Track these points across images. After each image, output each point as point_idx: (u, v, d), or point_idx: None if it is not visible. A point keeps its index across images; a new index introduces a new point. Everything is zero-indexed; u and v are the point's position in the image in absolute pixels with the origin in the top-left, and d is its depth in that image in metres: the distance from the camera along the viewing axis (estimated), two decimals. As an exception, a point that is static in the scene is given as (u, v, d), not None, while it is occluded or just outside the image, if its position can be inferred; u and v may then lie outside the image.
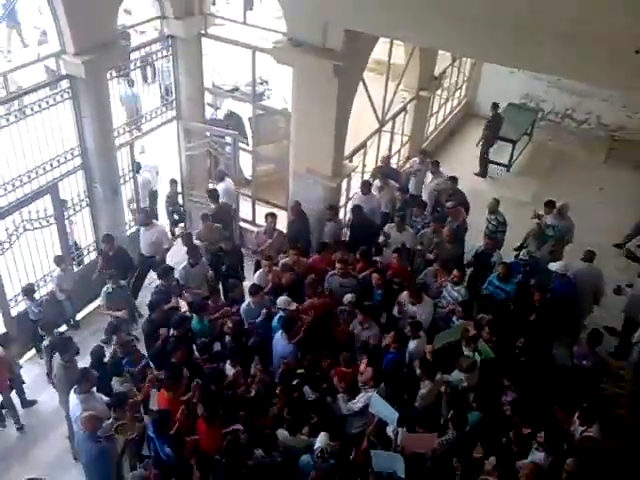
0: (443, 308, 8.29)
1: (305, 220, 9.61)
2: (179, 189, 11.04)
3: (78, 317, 9.41)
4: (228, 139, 10.52)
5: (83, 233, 9.45)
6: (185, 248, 8.83)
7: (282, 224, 10.06)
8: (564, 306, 8.38)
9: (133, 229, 10.07)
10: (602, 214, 11.53)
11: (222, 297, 8.66)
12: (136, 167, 9.98)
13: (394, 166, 12.65)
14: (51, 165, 8.40)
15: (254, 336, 7.80)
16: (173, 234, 10.85)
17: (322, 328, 7.81)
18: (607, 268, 9.41)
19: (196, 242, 9.12)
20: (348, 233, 10.02)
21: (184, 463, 6.42)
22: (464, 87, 15.79)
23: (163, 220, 10.91)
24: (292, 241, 9.06)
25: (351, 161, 10.62)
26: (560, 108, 15.18)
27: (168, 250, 9.48)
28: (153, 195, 11.02)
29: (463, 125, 15.44)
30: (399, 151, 13.04)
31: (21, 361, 8.47)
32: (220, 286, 8.96)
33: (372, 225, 9.68)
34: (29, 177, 8.16)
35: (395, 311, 8.21)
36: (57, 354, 7.26)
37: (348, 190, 10.85)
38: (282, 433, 6.55)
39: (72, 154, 8.65)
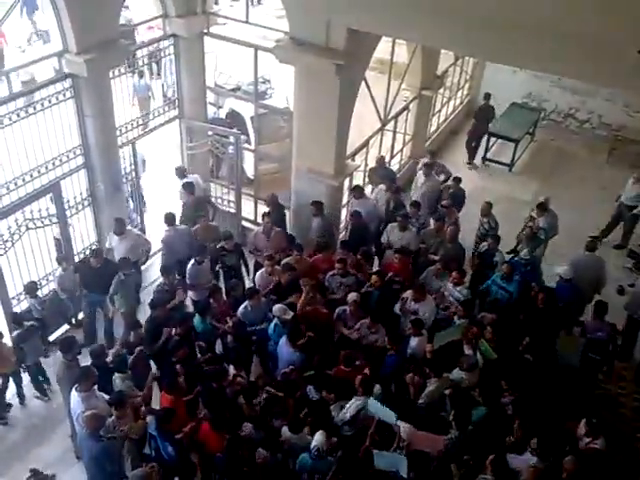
0: (445, 310, 8.28)
1: (281, 210, 9.80)
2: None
3: (80, 316, 9.41)
4: (230, 138, 10.53)
5: (80, 235, 9.30)
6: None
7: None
8: (566, 309, 8.41)
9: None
10: (603, 213, 11.52)
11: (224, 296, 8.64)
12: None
13: (396, 165, 12.68)
14: (53, 164, 8.41)
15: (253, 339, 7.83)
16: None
17: (323, 334, 7.82)
18: (608, 267, 9.39)
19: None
20: (347, 235, 9.99)
21: (187, 462, 6.43)
22: (466, 86, 15.78)
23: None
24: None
25: (353, 160, 10.62)
26: (563, 107, 15.16)
27: (148, 252, 9.40)
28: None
29: (465, 124, 15.39)
30: (401, 150, 13.03)
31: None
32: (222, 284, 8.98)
33: (369, 230, 9.71)
34: (31, 176, 8.16)
35: (397, 308, 8.21)
36: (59, 352, 7.28)
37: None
38: (285, 431, 6.57)
39: (74, 153, 8.66)
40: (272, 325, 7.76)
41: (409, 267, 9.07)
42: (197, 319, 7.85)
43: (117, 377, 7.04)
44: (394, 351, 7.44)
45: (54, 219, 8.73)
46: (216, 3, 11.48)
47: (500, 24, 6.72)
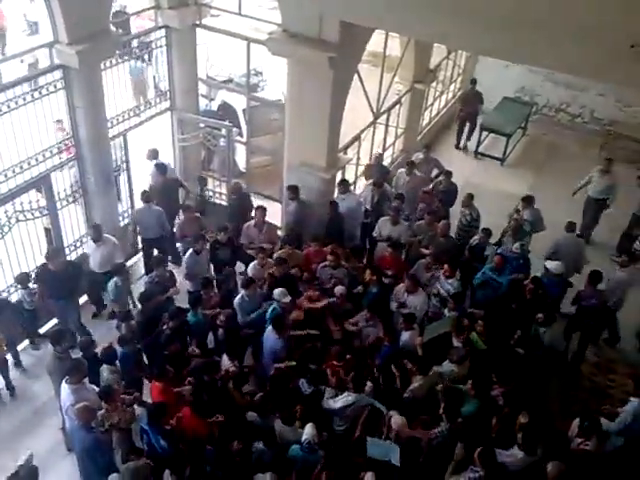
0: (436, 304, 8.33)
1: (246, 199, 9.92)
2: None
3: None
4: (222, 130, 10.49)
5: (70, 228, 9.21)
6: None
7: (275, 217, 10.08)
8: (553, 303, 8.56)
9: (127, 220, 10.03)
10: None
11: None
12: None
13: (388, 159, 12.67)
14: (43, 156, 8.36)
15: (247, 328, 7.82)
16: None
17: (314, 324, 7.85)
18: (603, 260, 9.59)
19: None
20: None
21: (179, 455, 6.44)
22: (459, 80, 15.79)
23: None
24: (231, 217, 9.63)
25: (345, 153, 10.61)
26: (555, 102, 15.20)
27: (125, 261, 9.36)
28: None
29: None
30: (393, 143, 13.03)
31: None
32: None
33: (345, 222, 9.62)
34: (21, 168, 8.10)
35: (393, 306, 8.24)
36: (50, 345, 7.26)
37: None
38: (278, 424, 6.59)
39: (65, 145, 8.60)
40: (270, 309, 7.77)
41: (401, 259, 9.10)
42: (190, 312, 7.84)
43: (104, 369, 7.05)
44: (388, 342, 7.51)
45: (44, 211, 8.67)
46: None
47: (495, 18, 6.68)
